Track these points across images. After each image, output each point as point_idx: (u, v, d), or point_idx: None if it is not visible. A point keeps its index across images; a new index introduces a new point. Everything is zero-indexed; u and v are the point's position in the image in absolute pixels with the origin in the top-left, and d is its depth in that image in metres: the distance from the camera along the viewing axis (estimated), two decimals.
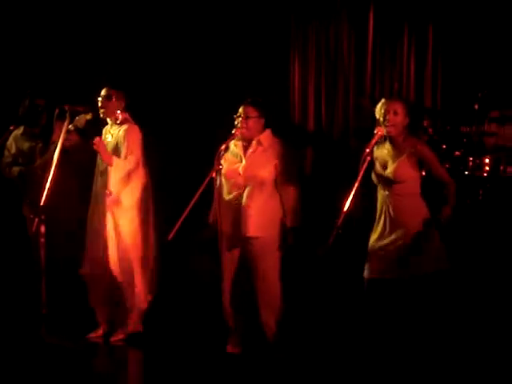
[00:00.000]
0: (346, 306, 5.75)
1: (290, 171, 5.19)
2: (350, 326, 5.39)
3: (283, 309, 5.21)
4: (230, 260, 5.25)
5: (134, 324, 5.66)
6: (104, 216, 5.53)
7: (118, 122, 5.59)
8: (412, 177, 4.74)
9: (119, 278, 5.55)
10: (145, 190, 5.62)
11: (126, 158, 5.48)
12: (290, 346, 5.25)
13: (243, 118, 5.15)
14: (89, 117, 5.65)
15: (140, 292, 5.63)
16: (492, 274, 5.53)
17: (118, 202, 5.51)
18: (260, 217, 5.13)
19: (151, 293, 5.72)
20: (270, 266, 5.15)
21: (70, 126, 5.59)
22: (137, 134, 5.57)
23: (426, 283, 4.69)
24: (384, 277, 4.76)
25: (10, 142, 6.04)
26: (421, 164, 4.74)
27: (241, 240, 5.18)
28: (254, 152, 5.18)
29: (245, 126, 5.15)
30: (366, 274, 4.84)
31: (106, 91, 5.58)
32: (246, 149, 5.22)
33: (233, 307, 5.28)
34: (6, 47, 7.11)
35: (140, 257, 5.62)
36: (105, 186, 5.51)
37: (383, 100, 4.84)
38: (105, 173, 5.54)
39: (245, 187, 5.16)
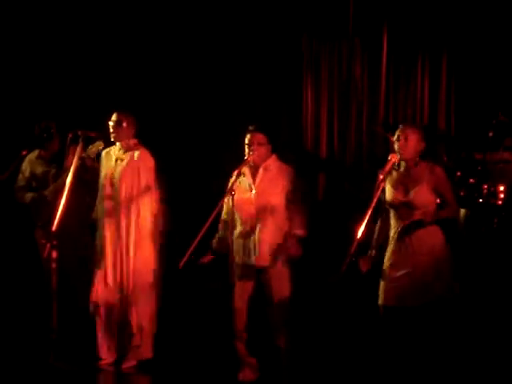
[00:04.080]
0: (359, 333, 5.70)
1: (297, 196, 5.16)
2: (363, 354, 5.37)
3: (298, 333, 5.18)
4: (243, 289, 5.21)
5: (144, 351, 5.61)
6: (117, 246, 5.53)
7: (130, 147, 5.59)
8: (432, 202, 4.72)
9: (129, 303, 5.52)
10: (157, 217, 5.60)
11: (147, 188, 5.49)
12: (304, 372, 5.22)
13: (255, 144, 5.13)
14: (101, 147, 5.65)
15: (148, 318, 5.59)
16: (507, 302, 5.48)
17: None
18: (268, 246, 5.10)
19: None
20: (286, 293, 5.13)
21: (84, 154, 5.59)
22: (151, 161, 5.57)
23: (438, 309, 4.65)
24: (399, 305, 4.72)
25: (25, 165, 6.04)
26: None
27: (255, 270, 5.15)
28: (262, 180, 5.16)
29: (257, 153, 5.13)
30: (380, 301, 4.80)
31: (117, 116, 5.56)
32: (254, 176, 5.20)
33: (246, 333, 5.25)
34: (19, 73, 7.15)
35: (149, 283, 5.58)
36: (114, 211, 5.51)
37: (400, 126, 4.84)
38: (113, 198, 5.53)
39: (256, 216, 5.13)
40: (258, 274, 5.15)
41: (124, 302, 5.52)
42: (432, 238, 4.72)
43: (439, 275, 4.67)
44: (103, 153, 5.66)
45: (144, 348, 5.59)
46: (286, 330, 5.14)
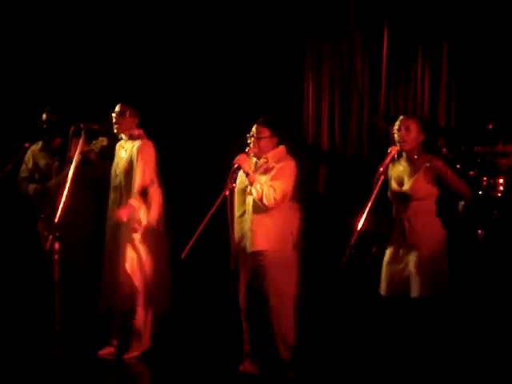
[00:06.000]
0: (361, 325, 5.73)
1: (296, 191, 5.20)
2: (365, 345, 5.40)
3: (298, 326, 5.20)
4: (244, 275, 5.26)
5: (146, 342, 5.65)
6: (119, 236, 5.56)
7: (133, 137, 5.63)
8: (429, 193, 4.73)
9: (130, 295, 5.57)
10: (160, 209, 5.63)
11: (142, 174, 5.51)
12: (305, 365, 5.24)
13: (255, 137, 5.18)
14: (105, 143, 5.68)
15: (146, 310, 5.62)
16: (506, 295, 5.50)
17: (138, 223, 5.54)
18: (265, 231, 5.15)
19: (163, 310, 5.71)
20: (279, 280, 5.14)
21: (87, 148, 5.63)
22: (151, 150, 5.60)
23: (429, 304, 4.69)
24: (397, 294, 4.76)
25: (28, 156, 6.07)
26: (438, 182, 4.74)
27: (250, 255, 5.19)
28: (256, 170, 5.21)
29: (257, 145, 5.18)
30: (381, 291, 4.85)
31: (120, 107, 5.62)
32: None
33: (248, 322, 5.28)
34: (21, 65, 7.19)
35: (150, 276, 5.61)
36: (116, 201, 5.56)
37: (400, 117, 4.87)
38: (118, 189, 5.58)
39: (249, 204, 5.18)
40: (253, 261, 5.19)
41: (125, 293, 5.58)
42: (433, 233, 4.75)
43: (435, 270, 4.71)
44: (117, 145, 5.72)
45: (144, 339, 5.63)
46: (286, 325, 5.15)
